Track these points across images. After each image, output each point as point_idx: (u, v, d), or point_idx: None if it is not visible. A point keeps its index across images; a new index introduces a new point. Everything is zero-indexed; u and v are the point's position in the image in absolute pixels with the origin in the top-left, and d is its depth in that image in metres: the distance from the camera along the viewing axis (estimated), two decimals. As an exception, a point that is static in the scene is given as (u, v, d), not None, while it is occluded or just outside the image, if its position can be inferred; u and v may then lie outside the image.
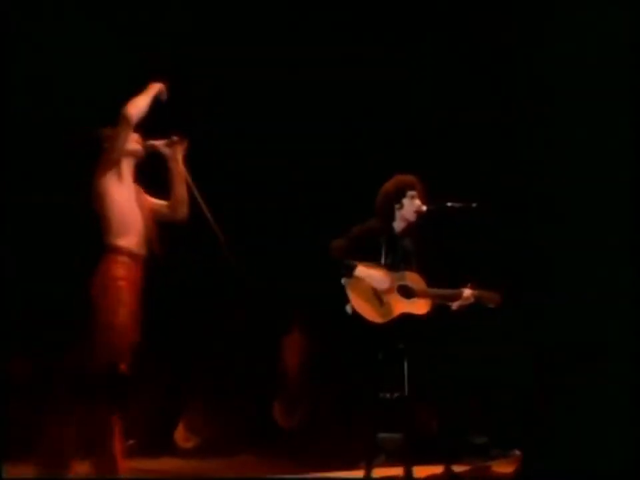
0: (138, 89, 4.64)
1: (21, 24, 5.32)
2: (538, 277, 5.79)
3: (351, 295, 4.88)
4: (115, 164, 4.48)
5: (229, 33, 5.88)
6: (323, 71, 5.96)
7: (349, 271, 4.87)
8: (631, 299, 5.17)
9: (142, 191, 4.67)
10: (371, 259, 4.98)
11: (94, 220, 4.46)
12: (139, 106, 4.47)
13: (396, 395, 4.83)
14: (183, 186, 4.63)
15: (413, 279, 5.02)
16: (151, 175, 4.61)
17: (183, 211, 4.67)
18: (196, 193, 4.59)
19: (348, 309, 4.88)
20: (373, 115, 6.12)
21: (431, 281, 5.04)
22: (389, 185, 5.14)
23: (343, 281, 4.89)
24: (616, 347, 5.19)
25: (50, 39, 5.42)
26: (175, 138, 4.65)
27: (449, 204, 5.07)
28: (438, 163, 6.09)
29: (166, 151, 4.66)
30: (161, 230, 4.59)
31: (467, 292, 4.99)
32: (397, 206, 5.07)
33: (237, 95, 6.05)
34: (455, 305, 5.00)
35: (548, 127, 5.86)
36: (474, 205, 5.04)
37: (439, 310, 5.01)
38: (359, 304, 4.86)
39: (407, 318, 4.91)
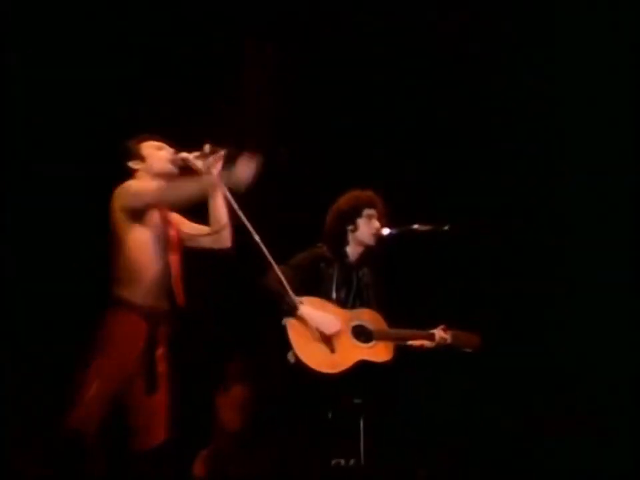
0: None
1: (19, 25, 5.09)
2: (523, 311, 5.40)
3: (294, 339, 4.12)
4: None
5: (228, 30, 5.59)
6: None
7: (291, 310, 4.14)
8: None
9: (176, 218, 3.93)
10: (319, 293, 4.30)
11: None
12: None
13: (351, 461, 4.21)
14: (222, 207, 3.88)
15: (371, 318, 4.33)
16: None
17: (225, 237, 3.93)
18: (241, 214, 3.85)
19: (290, 356, 4.12)
20: (374, 115, 5.73)
21: (394, 320, 4.37)
22: (341, 202, 4.46)
23: (284, 321, 4.16)
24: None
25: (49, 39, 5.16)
26: (207, 147, 3.84)
27: (416, 226, 4.40)
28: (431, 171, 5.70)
29: (198, 164, 3.85)
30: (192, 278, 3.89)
31: (439, 334, 4.36)
32: (350, 227, 4.40)
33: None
34: (426, 344, 4.36)
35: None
36: (446, 227, 4.38)
37: (404, 356, 4.35)
38: (304, 350, 4.10)
39: (364, 367, 4.20)
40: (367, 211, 4.39)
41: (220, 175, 3.79)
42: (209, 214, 3.92)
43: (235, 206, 3.85)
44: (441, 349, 4.34)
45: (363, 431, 4.19)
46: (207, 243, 3.96)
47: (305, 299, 4.19)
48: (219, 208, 3.87)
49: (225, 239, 3.93)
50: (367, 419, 4.22)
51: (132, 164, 3.86)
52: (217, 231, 3.90)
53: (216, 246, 3.96)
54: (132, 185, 3.80)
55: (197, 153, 3.86)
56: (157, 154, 3.88)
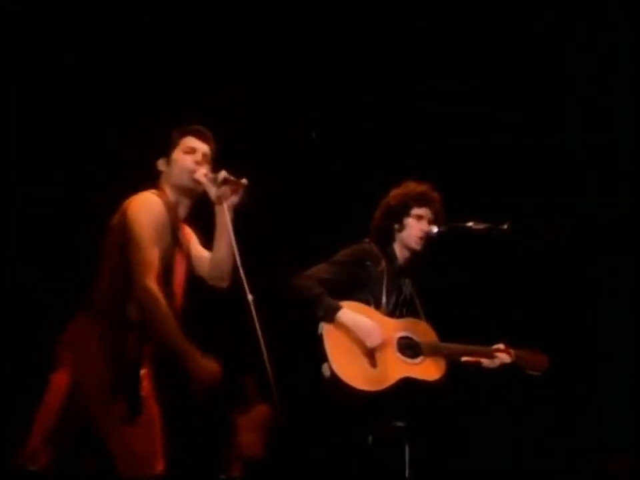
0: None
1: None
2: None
3: (330, 349, 3.72)
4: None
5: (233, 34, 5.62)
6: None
7: (329, 314, 3.72)
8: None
9: (188, 233, 3.50)
10: (366, 295, 3.89)
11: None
12: None
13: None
14: (225, 241, 3.40)
15: (420, 330, 3.92)
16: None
17: (221, 274, 3.45)
18: (237, 258, 3.31)
19: (325, 369, 3.71)
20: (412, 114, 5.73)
21: (446, 333, 3.95)
22: (390, 196, 4.06)
23: (320, 328, 3.74)
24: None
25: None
26: (222, 175, 3.32)
27: (470, 224, 3.96)
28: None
29: (212, 190, 3.36)
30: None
31: (500, 351, 3.95)
32: (396, 226, 4.00)
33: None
34: (484, 362, 3.95)
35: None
36: (505, 225, 3.91)
37: (456, 374, 3.92)
38: (341, 363, 3.71)
39: (410, 385, 3.81)
40: (416, 210, 3.97)
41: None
42: (213, 245, 3.46)
43: (237, 256, 3.32)
44: (502, 370, 3.89)
45: (408, 459, 3.79)
46: (204, 273, 3.49)
47: (346, 303, 3.78)
48: (221, 246, 3.40)
49: (221, 278, 3.45)
50: (412, 445, 3.81)
51: (160, 164, 3.38)
52: (214, 264, 3.43)
53: (211, 282, 3.50)
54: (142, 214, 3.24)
55: (211, 176, 3.35)
56: (182, 160, 3.36)
